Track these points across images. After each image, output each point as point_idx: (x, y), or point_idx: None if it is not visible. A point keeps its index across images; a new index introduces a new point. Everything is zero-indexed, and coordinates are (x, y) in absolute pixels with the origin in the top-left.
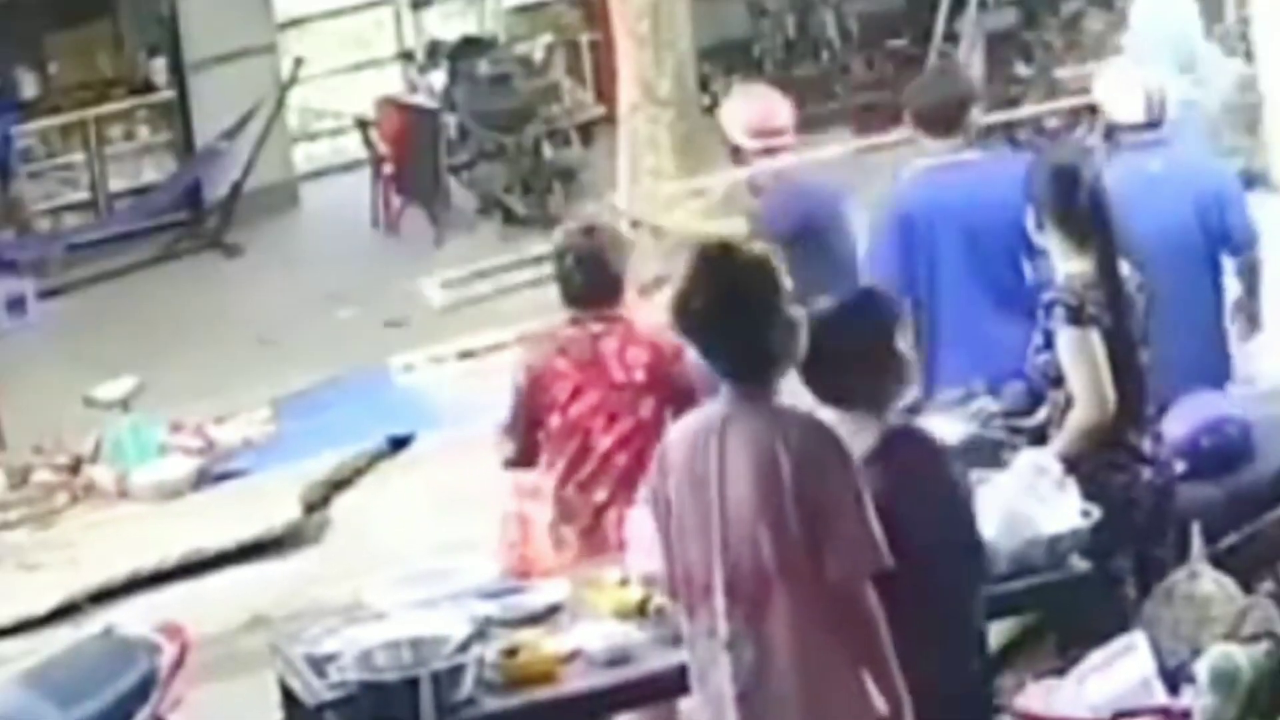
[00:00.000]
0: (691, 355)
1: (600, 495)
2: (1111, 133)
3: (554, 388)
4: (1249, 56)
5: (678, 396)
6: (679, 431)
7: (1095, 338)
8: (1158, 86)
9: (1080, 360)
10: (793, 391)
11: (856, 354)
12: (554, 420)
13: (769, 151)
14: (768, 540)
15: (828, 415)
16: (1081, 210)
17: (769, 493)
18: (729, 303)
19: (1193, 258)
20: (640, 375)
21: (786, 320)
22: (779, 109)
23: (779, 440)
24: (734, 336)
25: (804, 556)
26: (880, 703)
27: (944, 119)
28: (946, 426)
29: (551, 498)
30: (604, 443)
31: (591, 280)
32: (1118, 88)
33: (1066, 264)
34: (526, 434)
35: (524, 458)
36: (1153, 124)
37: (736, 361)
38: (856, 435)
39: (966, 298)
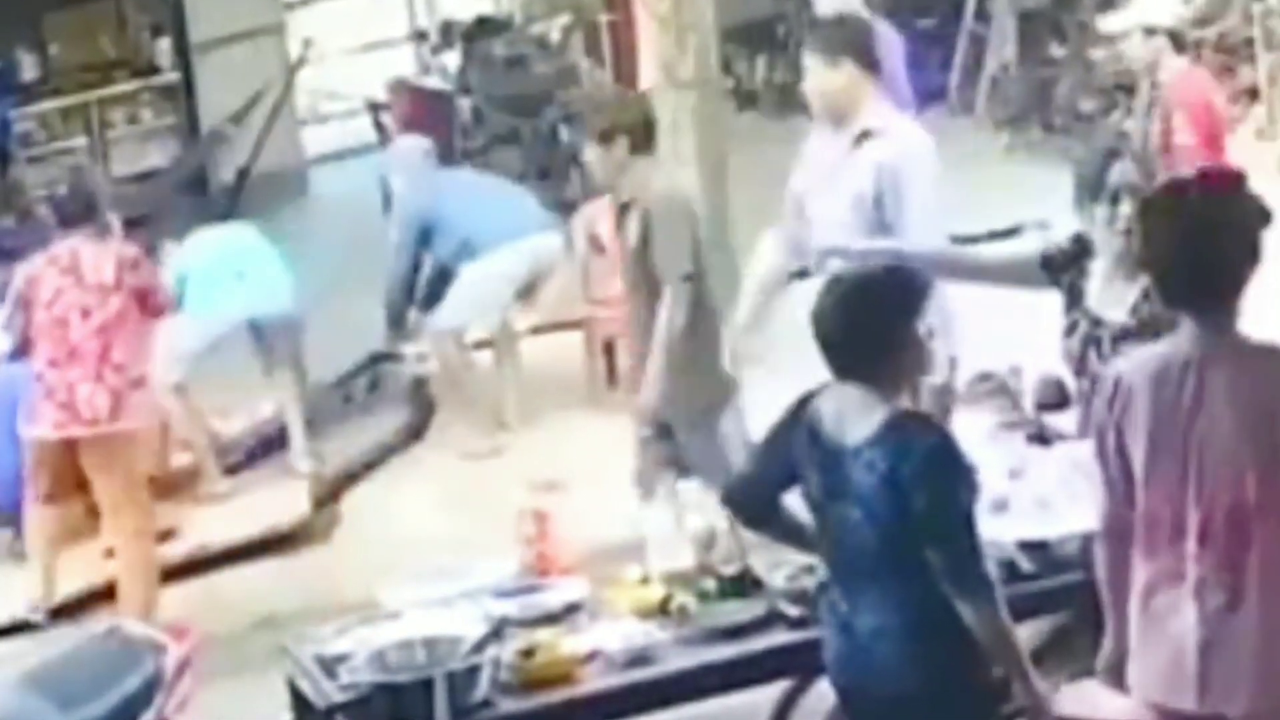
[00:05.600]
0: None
1: (75, 374)
2: None
3: (42, 289)
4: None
5: (138, 294)
6: (1139, 366)
7: None
8: None
9: None
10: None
11: (877, 330)
12: (40, 315)
13: None
14: (1253, 483)
15: (846, 391)
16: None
17: (1258, 432)
18: (1193, 234)
19: None
20: (108, 277)
21: (1252, 245)
22: None
23: (1266, 379)
24: (1199, 266)
25: None
26: None
27: None
28: (976, 418)
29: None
30: (80, 332)
31: (82, 206)
32: None
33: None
34: (24, 329)
35: (23, 347)
36: None
37: (1199, 293)
38: (864, 414)
39: None
